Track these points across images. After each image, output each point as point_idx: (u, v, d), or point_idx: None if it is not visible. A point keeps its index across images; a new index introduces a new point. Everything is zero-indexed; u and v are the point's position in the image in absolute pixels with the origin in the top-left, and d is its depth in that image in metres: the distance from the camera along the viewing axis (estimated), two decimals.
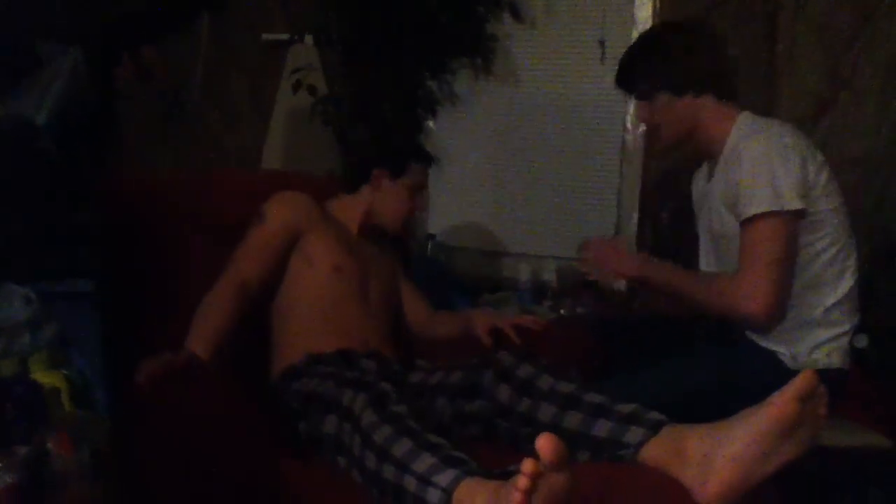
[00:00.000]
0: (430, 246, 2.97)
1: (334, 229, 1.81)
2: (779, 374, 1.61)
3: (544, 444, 1.00)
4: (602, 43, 2.81)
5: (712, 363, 1.66)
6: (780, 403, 1.16)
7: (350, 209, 1.86)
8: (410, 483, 1.15)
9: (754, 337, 1.67)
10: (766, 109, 2.46)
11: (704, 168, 1.84)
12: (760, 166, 1.57)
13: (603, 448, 1.28)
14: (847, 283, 1.65)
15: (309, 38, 3.04)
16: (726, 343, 1.71)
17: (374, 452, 1.21)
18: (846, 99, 2.37)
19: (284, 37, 3.10)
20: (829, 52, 2.38)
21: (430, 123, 3.07)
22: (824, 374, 1.60)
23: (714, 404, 1.39)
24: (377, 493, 1.21)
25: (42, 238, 1.80)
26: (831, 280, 1.64)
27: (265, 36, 3.22)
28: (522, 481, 0.99)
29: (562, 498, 1.02)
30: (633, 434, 1.26)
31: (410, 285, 1.98)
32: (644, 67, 1.74)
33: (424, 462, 1.16)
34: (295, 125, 3.08)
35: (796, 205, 1.56)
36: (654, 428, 1.26)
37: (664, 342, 1.74)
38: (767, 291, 1.57)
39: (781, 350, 1.64)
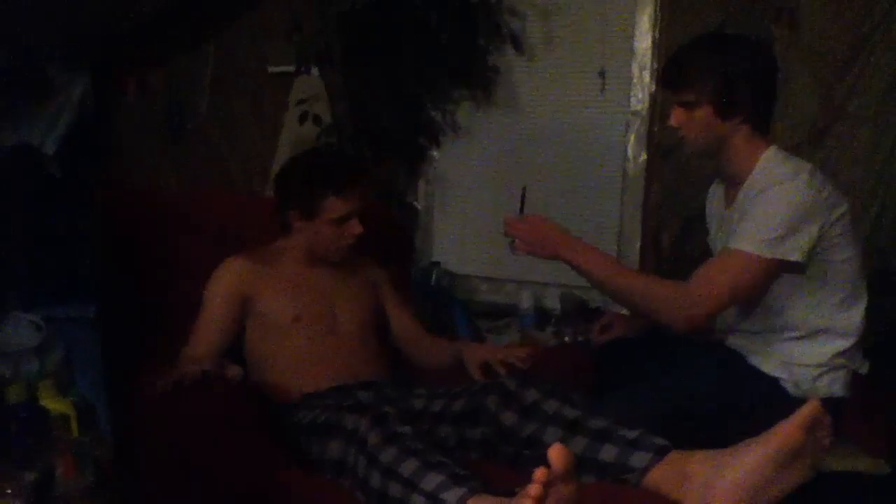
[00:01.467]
0: (434, 273, 2.99)
1: (286, 276, 1.77)
2: (780, 400, 1.62)
3: (556, 453, 1.03)
4: (602, 73, 2.85)
5: (714, 387, 1.66)
6: (786, 432, 1.17)
7: (291, 250, 1.80)
8: (418, 501, 1.16)
9: (756, 363, 1.68)
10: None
11: (720, 189, 1.82)
12: (780, 211, 1.55)
13: (608, 472, 1.29)
14: (856, 330, 1.65)
15: (315, 70, 3.09)
16: (728, 368, 1.71)
17: (380, 472, 1.21)
18: (841, 126, 2.40)
19: (290, 69, 3.16)
20: (822, 80, 2.41)
21: (433, 151, 3.10)
22: (825, 403, 1.63)
23: (715, 429, 1.41)
24: None
25: (47, 264, 1.83)
26: (840, 327, 1.64)
27: (271, 68, 3.27)
28: (534, 489, 1.01)
29: None
30: (639, 458, 1.27)
31: (399, 300, 1.94)
32: (700, 78, 1.63)
33: (432, 480, 1.17)
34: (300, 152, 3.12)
35: (795, 257, 1.56)
36: (660, 452, 1.27)
37: (665, 365, 1.74)
38: (703, 307, 1.57)
39: (784, 377, 1.64)
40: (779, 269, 1.58)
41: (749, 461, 1.18)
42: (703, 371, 1.70)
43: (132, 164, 3.46)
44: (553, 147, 2.98)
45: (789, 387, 1.64)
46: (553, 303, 2.88)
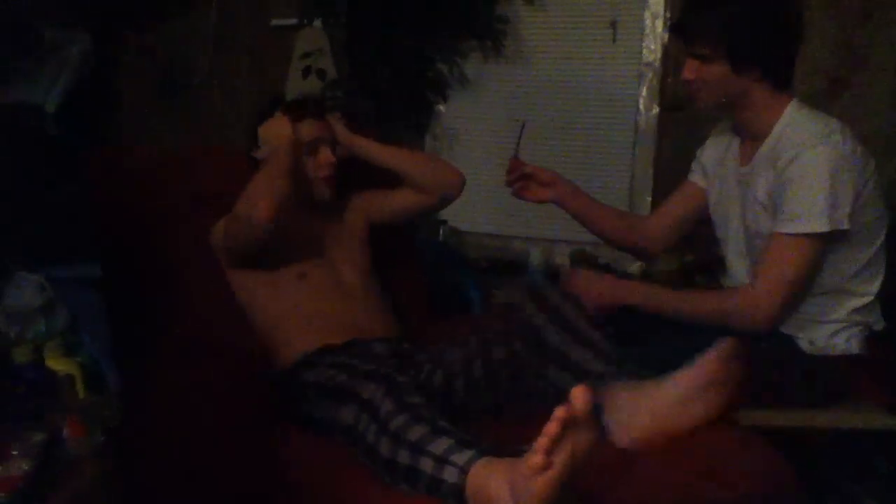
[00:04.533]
0: (441, 231, 2.97)
1: (283, 232, 1.68)
2: (796, 358, 1.60)
3: (579, 394, 1.01)
4: (614, 24, 2.79)
5: None
6: (702, 363, 1.26)
7: None
8: (427, 464, 1.17)
9: None
10: None
11: (732, 140, 1.75)
12: (821, 180, 1.50)
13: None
14: (875, 287, 1.62)
15: (318, 23, 3.02)
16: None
17: (390, 438, 1.22)
18: (860, 76, 2.34)
19: (293, 21, 3.09)
20: (843, 28, 2.35)
21: (441, 107, 3.05)
22: (843, 360, 1.61)
23: None
24: (389, 479, 1.22)
25: (50, 223, 1.81)
26: (862, 285, 1.61)
27: (274, 21, 3.20)
28: (552, 426, 1.00)
29: (584, 455, 1.02)
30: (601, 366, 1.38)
31: (383, 190, 1.87)
32: (715, 29, 1.55)
33: (441, 444, 1.18)
34: None
35: (846, 225, 1.52)
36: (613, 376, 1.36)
37: (679, 326, 1.72)
38: (777, 305, 1.56)
39: (799, 335, 1.62)
40: (832, 238, 1.55)
41: (668, 391, 1.27)
42: (718, 331, 1.68)
43: (132, 123, 3.42)
44: (563, 100, 2.93)
45: (804, 344, 1.62)
46: (563, 260, 2.86)
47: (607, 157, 2.91)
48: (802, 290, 1.58)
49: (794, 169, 1.52)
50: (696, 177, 1.85)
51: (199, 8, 3.30)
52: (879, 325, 1.67)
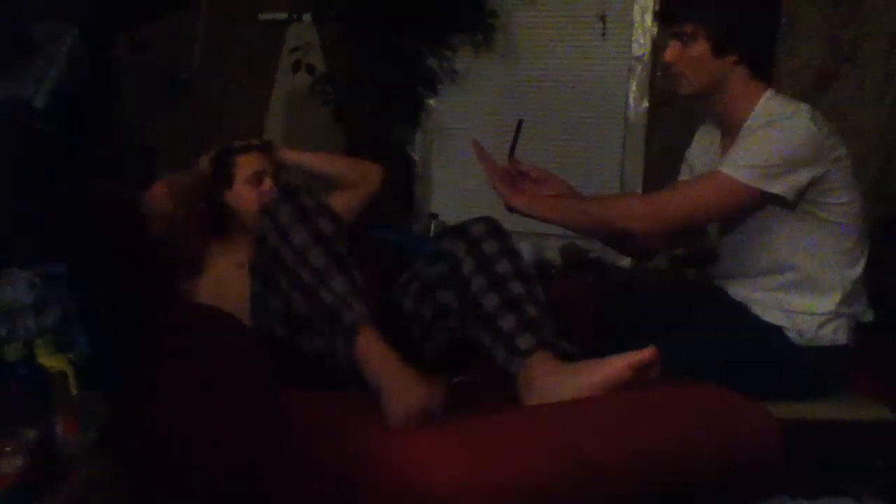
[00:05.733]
0: (432, 225, 2.97)
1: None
2: (785, 349, 1.62)
3: (652, 354, 1.25)
4: (603, 18, 2.79)
5: (717, 337, 1.66)
6: (617, 366, 1.28)
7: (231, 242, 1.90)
8: (326, 297, 1.36)
9: (759, 312, 1.66)
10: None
11: (715, 136, 1.78)
12: (778, 145, 1.54)
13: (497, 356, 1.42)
14: (855, 275, 1.64)
15: (307, 17, 3.01)
16: (731, 319, 1.70)
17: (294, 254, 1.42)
18: (849, 69, 2.35)
19: (283, 16, 3.08)
20: (830, 23, 2.36)
21: (431, 101, 3.05)
22: (831, 351, 1.63)
23: (718, 378, 1.40)
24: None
25: (42, 219, 1.80)
26: (841, 272, 1.63)
27: (263, 15, 3.19)
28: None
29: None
30: (518, 363, 1.37)
31: None
32: (695, 7, 1.62)
33: (342, 286, 1.37)
34: (295, 105, 3.07)
35: (777, 190, 1.54)
36: (527, 354, 1.36)
37: (667, 317, 1.73)
38: (662, 219, 1.59)
39: (787, 326, 1.64)
40: (762, 200, 1.57)
41: (581, 383, 1.29)
42: (706, 324, 1.69)
43: (126, 120, 3.40)
44: (553, 94, 2.93)
45: (793, 336, 1.63)
46: (553, 254, 2.86)
47: (597, 151, 2.91)
48: (698, 225, 1.64)
49: (756, 133, 1.57)
50: (683, 176, 1.86)
51: (191, 2, 3.28)
52: (868, 317, 1.69)
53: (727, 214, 1.63)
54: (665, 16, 1.71)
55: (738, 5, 1.61)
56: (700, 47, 1.61)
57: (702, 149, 1.82)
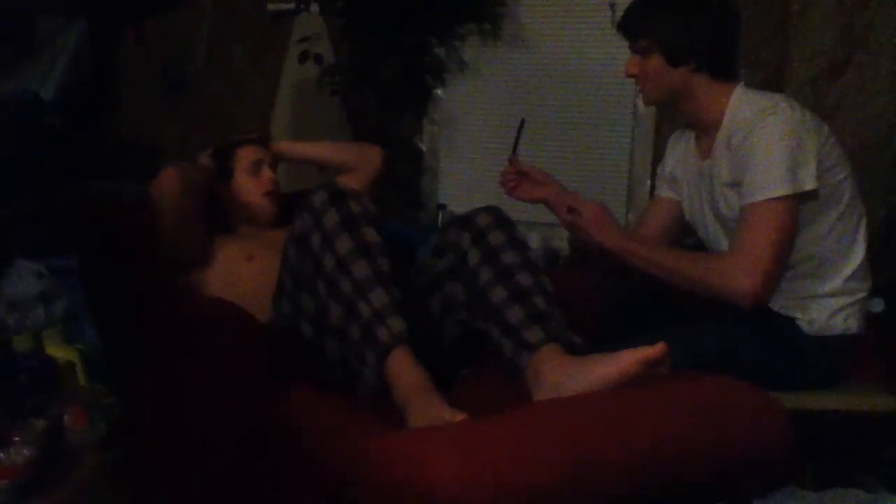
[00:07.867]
0: (440, 216, 2.96)
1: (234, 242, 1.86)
2: (796, 339, 1.61)
3: (663, 350, 1.22)
4: (612, 6, 2.76)
5: (730, 328, 1.65)
6: (628, 361, 1.25)
7: (232, 237, 1.90)
8: (364, 310, 1.33)
9: (770, 303, 1.65)
10: (778, 69, 2.43)
11: (690, 141, 1.78)
12: (778, 146, 1.52)
13: (505, 349, 1.39)
14: (860, 250, 1.63)
15: (315, 7, 3.00)
16: (742, 311, 1.68)
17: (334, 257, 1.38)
18: (861, 57, 2.33)
19: (290, 6, 3.07)
20: (843, 10, 2.33)
21: (439, 91, 3.04)
22: (842, 340, 1.61)
23: (730, 369, 1.39)
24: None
25: (49, 212, 1.80)
26: (846, 250, 1.62)
27: (270, 6, 3.18)
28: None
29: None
30: (525, 358, 1.34)
31: None
32: (646, 24, 1.66)
33: (380, 299, 1.34)
34: (302, 95, 3.06)
35: (811, 185, 1.53)
36: (535, 348, 1.34)
37: (679, 308, 1.72)
38: (766, 272, 1.54)
39: (798, 316, 1.62)
40: (801, 200, 1.56)
41: (590, 377, 1.26)
42: (717, 316, 1.68)
43: (132, 115, 3.40)
44: (561, 82, 2.91)
45: (804, 325, 1.63)
46: (562, 244, 2.85)
47: (606, 140, 2.89)
48: (781, 258, 1.57)
49: (749, 143, 1.56)
50: (663, 191, 1.86)
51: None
52: (879, 307, 1.68)
53: (791, 237, 1.58)
54: (623, 32, 1.73)
55: (685, 18, 1.63)
56: (656, 60, 1.65)
57: (676, 159, 1.82)
